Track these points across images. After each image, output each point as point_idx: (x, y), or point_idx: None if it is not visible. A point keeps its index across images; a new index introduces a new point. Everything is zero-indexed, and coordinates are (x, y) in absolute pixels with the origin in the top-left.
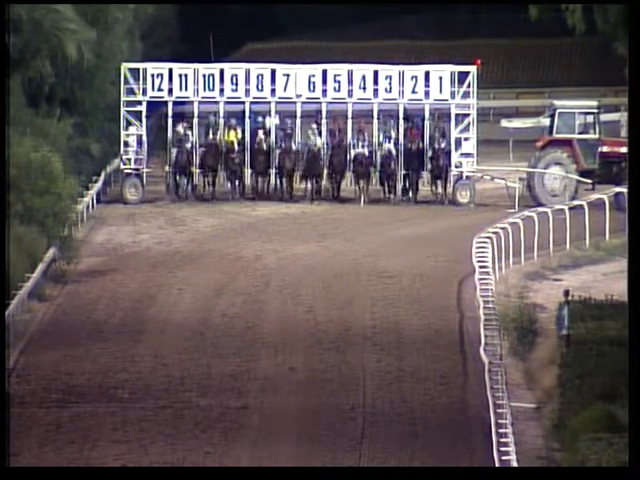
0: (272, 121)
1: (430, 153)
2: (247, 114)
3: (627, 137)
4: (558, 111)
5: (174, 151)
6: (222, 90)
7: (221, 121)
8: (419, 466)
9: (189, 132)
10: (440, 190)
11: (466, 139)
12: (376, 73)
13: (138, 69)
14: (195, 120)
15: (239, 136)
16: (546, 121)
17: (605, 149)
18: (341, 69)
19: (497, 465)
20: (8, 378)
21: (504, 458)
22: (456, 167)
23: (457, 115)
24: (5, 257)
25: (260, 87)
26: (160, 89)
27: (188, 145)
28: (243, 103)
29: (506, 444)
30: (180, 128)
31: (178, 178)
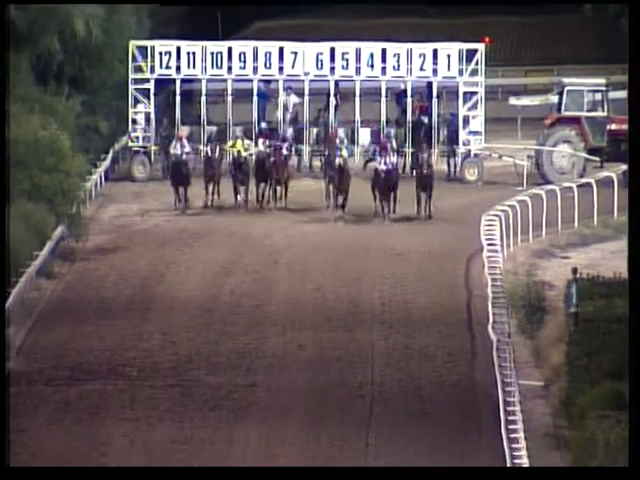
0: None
1: (438, 131)
2: (255, 92)
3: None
4: (566, 89)
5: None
6: (230, 68)
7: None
8: (420, 466)
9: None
10: (447, 168)
11: (474, 117)
12: (384, 51)
13: (146, 47)
14: (203, 98)
15: (246, 146)
16: (554, 99)
17: (614, 127)
18: (349, 47)
19: (505, 443)
20: (16, 357)
21: (512, 436)
22: (464, 145)
23: (465, 93)
24: (5, 242)
25: (268, 65)
26: (168, 67)
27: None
28: (251, 81)
29: (514, 422)
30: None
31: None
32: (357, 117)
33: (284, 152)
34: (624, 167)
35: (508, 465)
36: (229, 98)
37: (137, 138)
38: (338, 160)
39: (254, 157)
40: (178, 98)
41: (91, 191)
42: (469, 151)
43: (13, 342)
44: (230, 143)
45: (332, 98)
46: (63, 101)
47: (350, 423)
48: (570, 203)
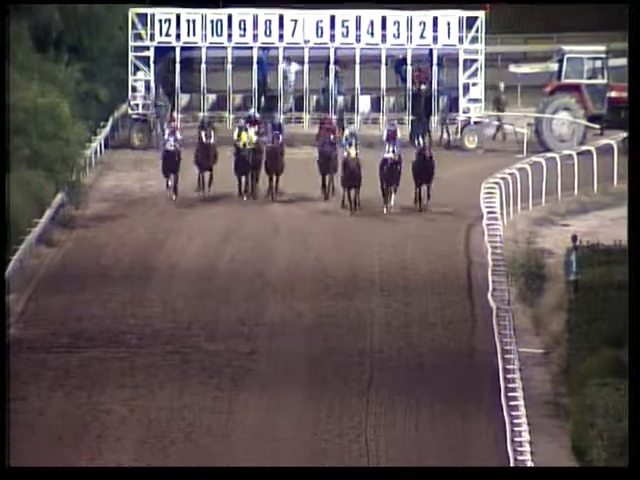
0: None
1: (438, 99)
2: (255, 60)
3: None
4: (566, 56)
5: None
6: (230, 35)
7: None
8: (420, 466)
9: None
10: (446, 136)
11: (474, 84)
12: (384, 19)
13: (146, 14)
14: (203, 66)
15: (250, 139)
16: (554, 66)
17: (613, 94)
18: (349, 15)
19: (505, 410)
20: (16, 324)
21: (512, 403)
22: (464, 113)
23: (465, 60)
24: (5, 209)
25: (268, 33)
26: (168, 34)
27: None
28: (251, 48)
29: (514, 389)
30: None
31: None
32: (357, 85)
33: (280, 140)
34: (624, 134)
35: (507, 433)
36: (229, 66)
37: (137, 106)
38: (346, 156)
39: (265, 149)
40: (178, 66)
41: (91, 159)
42: (469, 119)
43: (13, 309)
44: (235, 134)
45: (332, 66)
46: (63, 69)
47: (350, 390)
48: (570, 171)
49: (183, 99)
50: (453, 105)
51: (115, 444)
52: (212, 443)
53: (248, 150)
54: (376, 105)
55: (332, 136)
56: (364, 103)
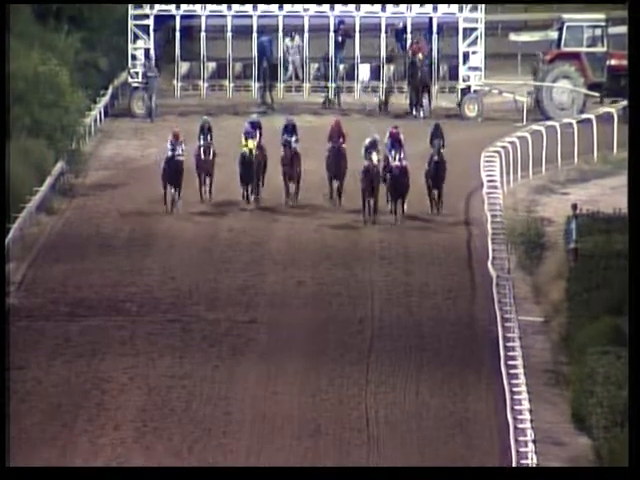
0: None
1: (438, 67)
2: (255, 29)
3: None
4: (566, 24)
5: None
6: (230, 4)
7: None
8: (420, 466)
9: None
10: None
11: (474, 53)
12: None
13: None
14: (202, 34)
15: (255, 144)
16: (554, 34)
17: (613, 62)
18: None
19: (504, 379)
20: (16, 292)
21: (511, 372)
22: (464, 81)
23: (465, 29)
24: (5, 177)
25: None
26: (168, 3)
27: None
28: (250, 17)
29: (514, 357)
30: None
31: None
32: (357, 53)
33: (294, 145)
34: (624, 102)
35: (507, 401)
36: (229, 34)
37: (136, 74)
38: (368, 164)
39: (282, 155)
40: (178, 34)
41: (90, 127)
42: (469, 87)
43: (13, 277)
44: (243, 141)
45: (332, 34)
46: (63, 37)
47: (350, 359)
48: (570, 139)
49: (183, 67)
50: (453, 73)
51: (115, 412)
52: (212, 412)
53: (254, 157)
54: (376, 73)
55: (342, 139)
56: (364, 71)
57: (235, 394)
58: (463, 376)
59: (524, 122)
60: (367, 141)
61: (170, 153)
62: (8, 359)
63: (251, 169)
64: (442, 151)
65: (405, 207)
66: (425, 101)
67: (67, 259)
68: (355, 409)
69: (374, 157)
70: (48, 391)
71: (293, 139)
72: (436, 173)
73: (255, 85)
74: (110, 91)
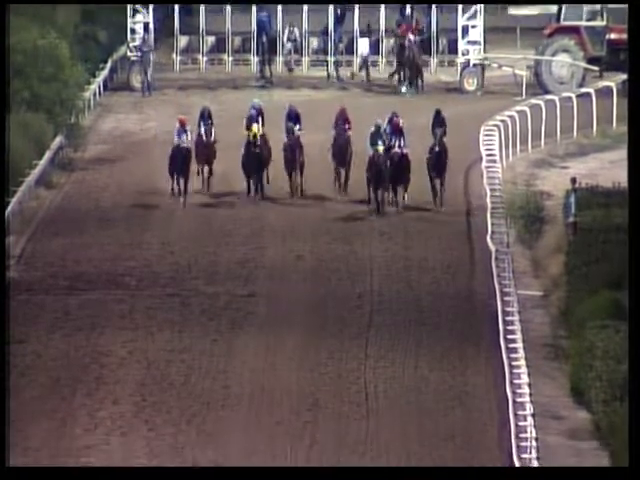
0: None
1: (437, 40)
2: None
3: None
4: None
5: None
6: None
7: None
8: (419, 466)
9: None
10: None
11: (473, 27)
12: None
13: None
14: (202, 8)
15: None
16: (554, 8)
17: (613, 36)
18: None
19: (504, 353)
20: (15, 266)
21: (510, 346)
22: (463, 55)
23: (464, 2)
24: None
25: None
26: None
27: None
28: None
29: (513, 332)
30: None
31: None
32: (356, 27)
33: (297, 133)
34: (623, 76)
35: (506, 375)
36: (228, 8)
37: (135, 48)
38: (373, 153)
39: (285, 144)
40: (177, 8)
41: (89, 101)
42: (468, 61)
43: (13, 251)
44: (245, 124)
45: (331, 8)
46: (62, 11)
47: (349, 334)
48: (569, 113)
49: (182, 41)
50: (452, 47)
51: (114, 386)
52: (211, 385)
53: (259, 144)
54: (375, 48)
55: (347, 126)
56: (363, 45)
57: (234, 368)
58: (462, 350)
59: (523, 96)
60: (372, 129)
61: (176, 141)
62: (8, 333)
63: (257, 158)
64: (444, 139)
65: (406, 196)
66: (418, 81)
67: (66, 233)
68: (354, 383)
69: (380, 146)
70: (48, 365)
71: (297, 127)
72: (437, 163)
73: (254, 59)
74: (109, 65)
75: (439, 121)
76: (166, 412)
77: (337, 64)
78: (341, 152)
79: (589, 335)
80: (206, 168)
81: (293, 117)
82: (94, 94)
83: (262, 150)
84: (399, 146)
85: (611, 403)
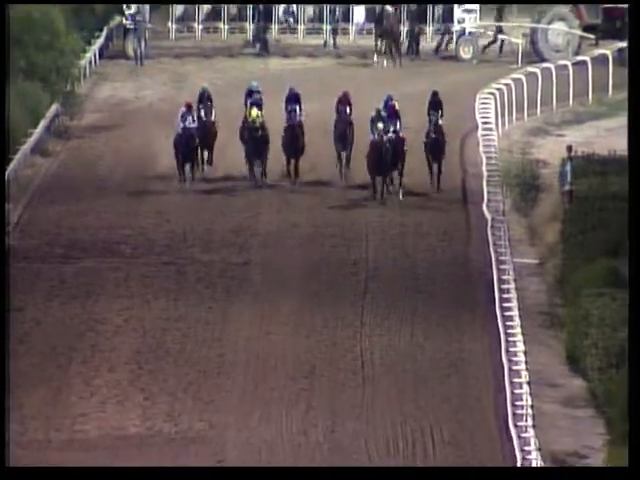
0: None
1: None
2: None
3: None
4: None
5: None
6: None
7: None
8: (420, 466)
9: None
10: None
11: None
12: None
13: None
14: None
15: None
16: None
17: (608, 4)
18: None
19: (499, 321)
20: (12, 233)
21: (506, 314)
22: (459, 23)
23: None
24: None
25: None
26: None
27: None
28: None
29: (508, 300)
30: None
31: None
32: None
33: (298, 116)
34: (619, 44)
35: (502, 343)
36: None
37: (131, 16)
38: (373, 138)
39: (285, 126)
40: None
41: (85, 69)
42: (464, 29)
43: (8, 218)
44: (247, 110)
45: None
46: None
47: (344, 301)
48: (565, 81)
49: (178, 9)
50: (448, 15)
51: (109, 354)
52: (207, 353)
53: (260, 128)
54: (371, 16)
55: (348, 109)
56: (359, 13)
57: (229, 335)
58: (458, 317)
59: (519, 64)
60: (372, 113)
61: (181, 125)
62: (8, 301)
63: (259, 143)
64: (440, 123)
65: (403, 180)
66: (394, 51)
67: (62, 201)
68: (350, 351)
69: (380, 126)
70: (46, 332)
71: (297, 109)
72: (434, 148)
73: (250, 27)
74: (105, 33)
75: (435, 103)
76: (162, 380)
77: (333, 32)
78: (343, 136)
79: (585, 303)
80: (206, 153)
81: (293, 99)
82: (90, 62)
83: (265, 135)
84: (394, 131)
85: (607, 370)
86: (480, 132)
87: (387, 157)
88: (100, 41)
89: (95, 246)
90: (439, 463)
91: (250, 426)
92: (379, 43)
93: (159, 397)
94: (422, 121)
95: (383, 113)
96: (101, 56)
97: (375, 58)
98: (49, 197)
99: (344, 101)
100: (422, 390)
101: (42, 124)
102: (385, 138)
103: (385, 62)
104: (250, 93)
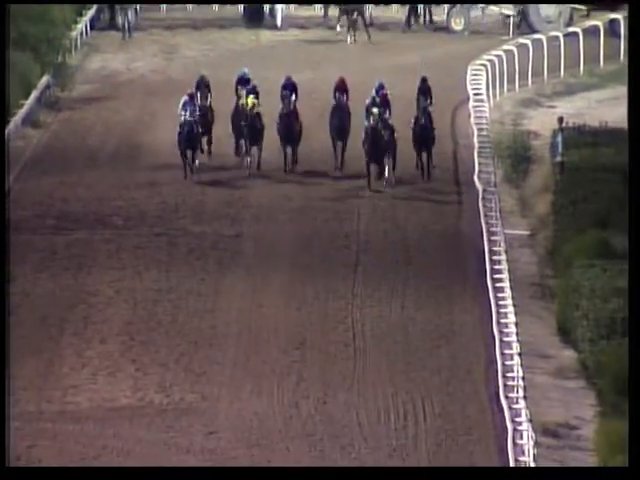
0: None
1: None
2: None
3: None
4: None
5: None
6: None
7: None
8: (420, 466)
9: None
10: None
11: None
12: None
13: None
14: None
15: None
16: None
17: (607, 7)
18: None
19: (490, 292)
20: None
21: (497, 285)
22: None
23: None
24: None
25: None
26: None
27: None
28: None
29: (500, 271)
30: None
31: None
32: None
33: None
34: (611, 15)
35: (493, 314)
36: None
37: None
38: (369, 124)
39: (279, 113)
40: None
41: (76, 40)
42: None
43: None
44: (244, 99)
45: None
46: None
47: (336, 273)
48: (556, 52)
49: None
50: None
51: (101, 325)
52: (198, 324)
53: (255, 115)
54: None
55: (345, 96)
56: None
57: (221, 307)
58: (449, 289)
59: (511, 35)
60: (367, 101)
61: (183, 115)
62: (9, 272)
63: (255, 130)
64: (429, 109)
65: (394, 167)
66: (358, 22)
67: (53, 172)
68: (341, 323)
69: (375, 111)
70: (35, 304)
71: (293, 96)
72: (422, 136)
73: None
74: (96, 4)
75: (424, 90)
76: (154, 351)
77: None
78: (340, 123)
79: (576, 274)
80: (205, 137)
81: (289, 87)
82: (81, 33)
83: (262, 125)
84: (383, 119)
85: (597, 342)
86: (471, 103)
87: (382, 143)
88: (91, 12)
89: (87, 217)
90: (430, 434)
91: (242, 398)
92: (342, 18)
93: (150, 368)
94: (410, 89)
95: (377, 99)
96: (92, 27)
97: (338, 28)
98: (40, 168)
99: (341, 88)
100: (413, 362)
101: (33, 95)
102: (380, 125)
103: (349, 38)
104: (241, 80)
